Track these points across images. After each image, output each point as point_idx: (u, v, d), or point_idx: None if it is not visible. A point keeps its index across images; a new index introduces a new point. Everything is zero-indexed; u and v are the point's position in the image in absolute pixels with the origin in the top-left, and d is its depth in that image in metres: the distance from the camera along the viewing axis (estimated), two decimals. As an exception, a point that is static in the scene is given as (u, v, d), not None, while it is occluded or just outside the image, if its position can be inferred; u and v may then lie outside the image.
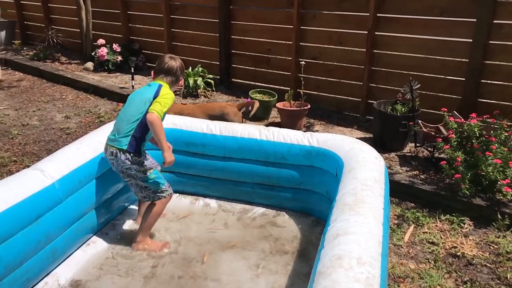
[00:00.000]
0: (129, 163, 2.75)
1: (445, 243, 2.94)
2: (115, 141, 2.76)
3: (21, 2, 9.03)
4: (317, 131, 4.73)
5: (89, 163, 2.85)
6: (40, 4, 8.52)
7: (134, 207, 3.38)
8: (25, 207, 2.33)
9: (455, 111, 4.00)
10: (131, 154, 2.75)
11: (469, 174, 3.21)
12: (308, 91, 5.12)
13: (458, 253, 2.82)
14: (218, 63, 6.33)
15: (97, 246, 2.92)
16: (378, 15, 4.79)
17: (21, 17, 9.10)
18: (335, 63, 5.28)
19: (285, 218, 3.30)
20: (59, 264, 2.67)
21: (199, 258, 2.82)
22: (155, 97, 2.72)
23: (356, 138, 3.44)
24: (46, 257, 2.51)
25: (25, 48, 8.70)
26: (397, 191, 3.45)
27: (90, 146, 2.94)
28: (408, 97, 4.10)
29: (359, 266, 1.84)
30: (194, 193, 3.55)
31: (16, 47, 8.78)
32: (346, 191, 2.48)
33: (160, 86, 2.79)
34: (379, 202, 2.40)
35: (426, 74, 4.61)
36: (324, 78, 5.38)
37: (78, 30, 7.77)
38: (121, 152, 2.74)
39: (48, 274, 2.58)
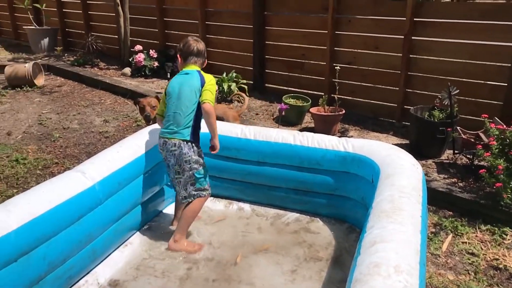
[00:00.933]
0: (191, 153, 2.87)
1: (486, 254, 2.84)
2: (176, 133, 2.85)
3: (63, 10, 9.39)
4: (351, 136, 4.68)
5: (128, 166, 2.92)
6: (81, 11, 8.84)
7: (169, 210, 3.44)
8: (68, 207, 2.42)
9: (496, 118, 3.88)
10: (193, 144, 2.89)
11: (511, 183, 3.10)
12: (343, 96, 5.08)
13: (500, 266, 2.72)
14: (251, 68, 6.38)
15: (134, 247, 2.99)
16: (415, 19, 4.71)
17: (63, 25, 9.47)
18: (370, 68, 5.23)
19: (319, 225, 3.28)
20: (99, 264, 2.75)
21: (233, 261, 2.84)
22: (202, 85, 2.84)
23: (392, 144, 3.39)
24: (86, 256, 2.59)
25: (66, 54, 9.03)
26: (434, 199, 3.36)
27: (129, 150, 3.02)
28: (446, 103, 4.01)
29: (397, 274, 1.81)
30: (228, 197, 3.58)
31: (58, 53, 9.12)
32: (383, 198, 2.45)
33: (200, 73, 2.91)
34: (417, 209, 2.35)
35: (466, 80, 4.49)
36: (359, 83, 5.33)
37: (117, 36, 8.00)
38: (185, 143, 2.85)
39: (88, 273, 2.67)
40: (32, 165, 4.25)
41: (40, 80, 7.22)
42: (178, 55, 3.02)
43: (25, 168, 4.19)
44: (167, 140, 2.88)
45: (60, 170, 4.10)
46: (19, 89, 6.92)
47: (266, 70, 6.30)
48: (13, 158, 4.36)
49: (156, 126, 3.28)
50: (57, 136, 5.02)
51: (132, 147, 3.06)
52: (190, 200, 2.94)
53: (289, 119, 5.09)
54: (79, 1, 8.77)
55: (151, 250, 2.97)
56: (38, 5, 9.22)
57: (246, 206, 3.50)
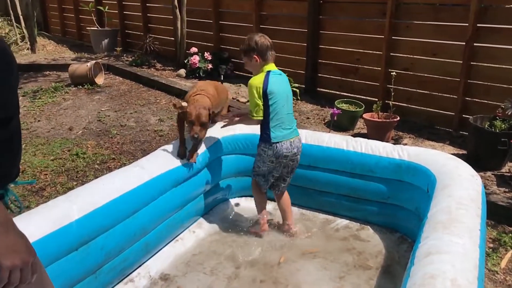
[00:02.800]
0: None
1: (549, 273, 2.68)
2: (295, 130, 3.01)
3: (124, 12, 9.79)
4: (405, 144, 4.54)
5: (183, 166, 3.00)
6: (140, 14, 9.18)
7: (218, 209, 3.51)
8: (126, 200, 2.52)
9: None
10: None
11: None
12: (398, 103, 4.95)
13: None
14: (304, 72, 6.36)
15: (184, 242, 3.06)
16: (478, 25, 4.52)
17: (123, 26, 9.87)
18: (428, 75, 5.07)
19: (369, 232, 3.22)
20: (151, 257, 2.85)
21: (281, 264, 2.84)
22: None
23: (449, 154, 3.27)
24: (140, 249, 2.69)
25: (125, 54, 9.40)
26: (493, 213, 3.20)
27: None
28: (509, 113, 3.81)
29: (454, 287, 1.75)
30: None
31: (117, 53, 9.51)
32: (439, 209, 2.37)
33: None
34: (475, 222, 2.26)
35: (532, 89, 4.26)
36: (415, 90, 5.18)
37: (173, 38, 8.24)
38: (299, 139, 3.04)
39: (140, 266, 2.77)
40: (90, 159, 4.46)
41: (100, 79, 7.56)
42: (254, 55, 2.87)
43: (84, 162, 4.40)
44: (294, 139, 2.98)
45: (117, 166, 4.27)
46: (80, 86, 7.27)
47: (319, 74, 6.26)
48: (73, 152, 4.59)
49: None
50: (114, 133, 5.24)
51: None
52: (284, 190, 3.19)
53: (341, 124, 5.03)
54: (139, 4, 9.11)
55: (201, 246, 3.04)
56: (101, 8, 9.68)
57: (295, 210, 3.48)
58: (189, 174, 3.04)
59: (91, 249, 2.32)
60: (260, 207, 3.22)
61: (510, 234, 3.08)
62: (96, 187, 2.53)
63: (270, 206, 3.53)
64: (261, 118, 2.89)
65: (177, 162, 2.95)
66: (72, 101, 6.60)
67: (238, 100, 6.14)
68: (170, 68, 8.24)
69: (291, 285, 2.66)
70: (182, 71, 7.66)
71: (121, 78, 8.03)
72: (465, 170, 2.81)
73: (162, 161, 2.91)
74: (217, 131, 3.44)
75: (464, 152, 4.30)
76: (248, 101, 5.78)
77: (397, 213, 3.15)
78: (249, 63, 2.94)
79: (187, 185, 3.04)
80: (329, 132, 4.74)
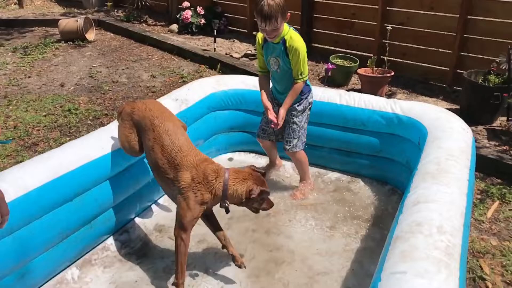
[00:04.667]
0: None
1: (533, 223, 2.76)
2: None
3: (114, -35, 9.45)
4: (399, 99, 4.55)
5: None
6: (130, -33, 8.86)
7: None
8: (119, 154, 2.52)
9: (558, 84, 3.65)
10: None
11: None
12: (392, 58, 4.90)
13: (548, 234, 2.64)
14: (299, 27, 6.23)
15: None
16: (476, -23, 4.42)
17: (113, -20, 9.55)
18: (423, 30, 4.99)
19: (360, 185, 3.27)
20: (145, 209, 2.89)
21: (272, 214, 2.90)
22: None
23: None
24: (134, 201, 2.72)
25: (115, 9, 9.17)
26: (482, 166, 3.26)
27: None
28: (504, 67, 3.80)
29: (439, 234, 1.80)
30: (270, 154, 3.60)
31: (108, 8, 9.27)
32: (429, 160, 2.40)
33: None
34: (464, 173, 2.30)
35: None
36: (411, 45, 5.11)
37: (165, -8, 8.01)
38: None
39: (136, 217, 2.81)
40: (83, 115, 4.44)
41: (91, 35, 7.40)
42: (288, 15, 2.75)
43: (77, 118, 4.38)
44: None
45: (110, 121, 4.23)
46: (71, 42, 7.13)
47: (314, 29, 6.15)
48: (66, 108, 4.56)
49: None
50: (106, 89, 5.19)
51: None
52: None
53: (335, 80, 5.00)
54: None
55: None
56: (90, -40, 9.34)
57: (288, 164, 3.51)
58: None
59: (86, 200, 2.35)
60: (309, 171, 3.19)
61: (498, 186, 3.15)
62: (90, 141, 2.54)
63: (262, 160, 3.57)
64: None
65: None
66: (63, 57, 6.48)
67: (231, 56, 6.05)
68: (162, 23, 8.06)
69: (282, 234, 2.72)
70: (174, 27, 7.50)
71: (112, 34, 7.86)
72: (457, 123, 2.83)
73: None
74: (209, 86, 3.41)
75: (457, 107, 4.31)
76: (254, 57, 5.68)
77: (388, 166, 3.19)
78: (281, 23, 2.71)
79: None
80: (323, 87, 4.71)
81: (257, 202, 2.26)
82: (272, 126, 2.82)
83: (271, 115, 2.80)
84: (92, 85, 5.35)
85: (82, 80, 5.53)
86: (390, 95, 4.70)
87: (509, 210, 2.90)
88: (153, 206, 2.96)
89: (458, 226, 1.90)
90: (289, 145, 2.99)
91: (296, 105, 2.92)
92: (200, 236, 2.63)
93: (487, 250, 2.54)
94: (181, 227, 2.17)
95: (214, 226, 2.39)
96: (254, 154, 3.65)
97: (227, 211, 2.26)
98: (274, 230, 2.76)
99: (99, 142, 2.51)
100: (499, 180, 3.24)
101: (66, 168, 2.24)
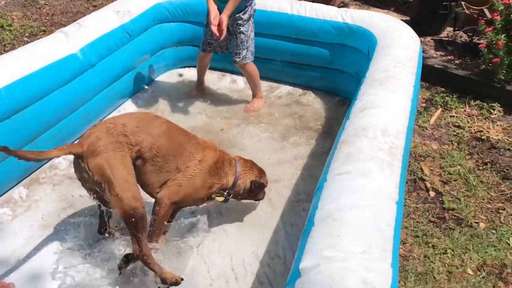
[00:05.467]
0: None
1: (471, 127, 2.92)
2: None
3: None
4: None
5: (115, 32, 2.82)
6: None
7: (162, 78, 3.43)
8: (56, 68, 2.38)
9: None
10: None
11: (509, 60, 3.06)
12: (345, -32, 4.75)
13: (483, 137, 2.81)
14: None
15: (127, 112, 3.01)
16: None
17: None
18: None
19: (311, 97, 3.29)
20: (93, 127, 2.81)
21: (226, 130, 2.90)
22: None
23: (392, 18, 3.26)
24: (79, 118, 2.62)
25: None
26: (428, 76, 3.34)
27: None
28: (453, -24, 3.77)
29: (383, 136, 1.86)
30: (222, 69, 3.52)
31: None
32: (377, 68, 2.43)
33: None
34: (410, 79, 2.35)
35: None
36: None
37: None
38: None
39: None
40: (18, 32, 4.10)
41: None
42: None
43: (12, 35, 4.05)
44: None
45: (48, 38, 3.96)
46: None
47: None
48: (-2, 24, 4.19)
49: None
50: (42, 3, 4.76)
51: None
52: None
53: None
54: None
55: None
56: None
57: (239, 79, 3.46)
58: (123, 42, 2.88)
59: (26, 118, 2.24)
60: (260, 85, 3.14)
61: (442, 94, 3.27)
62: (24, 55, 2.36)
63: (215, 76, 3.49)
64: None
65: (107, 29, 2.77)
66: (-12, -32, 5.82)
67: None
68: None
69: (235, 146, 2.74)
70: None
71: None
72: (406, 31, 2.84)
73: (91, 28, 2.72)
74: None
75: (408, 18, 4.31)
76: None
77: (338, 77, 3.21)
78: None
79: (123, 54, 2.90)
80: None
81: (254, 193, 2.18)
82: (216, 36, 2.69)
83: (214, 28, 2.66)
84: (25, -1, 4.89)
85: (13, -7, 5.04)
86: (342, 7, 4.60)
87: (450, 116, 3.04)
88: (101, 124, 2.87)
89: (402, 129, 1.97)
90: (239, 57, 2.91)
91: (241, 13, 2.80)
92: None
93: (428, 154, 2.69)
94: (175, 198, 1.90)
95: None
96: (205, 69, 3.56)
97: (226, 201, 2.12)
98: (226, 143, 2.77)
99: (36, 55, 2.34)
100: (443, 89, 3.36)
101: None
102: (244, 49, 2.88)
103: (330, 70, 3.24)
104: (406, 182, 2.44)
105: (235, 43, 2.88)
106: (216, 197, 2.06)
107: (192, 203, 2.08)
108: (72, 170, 2.47)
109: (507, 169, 2.55)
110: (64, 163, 2.54)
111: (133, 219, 1.70)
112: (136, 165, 1.82)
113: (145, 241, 1.75)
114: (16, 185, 2.33)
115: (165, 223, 1.93)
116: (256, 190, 2.16)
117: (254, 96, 3.14)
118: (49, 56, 2.38)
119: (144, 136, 1.83)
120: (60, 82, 2.42)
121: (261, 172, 2.21)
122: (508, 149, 2.71)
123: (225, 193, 2.06)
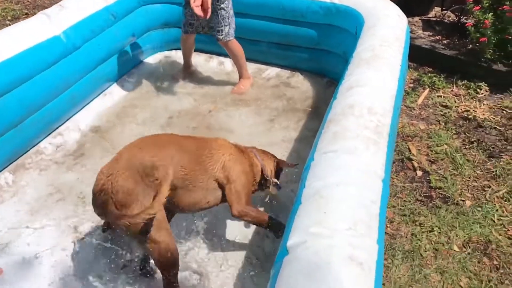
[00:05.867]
0: None
1: (458, 107, 2.93)
2: None
3: None
4: (339, -8, 4.45)
5: (99, 14, 2.77)
6: None
7: (150, 60, 3.39)
8: (39, 52, 2.34)
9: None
10: None
11: (496, 39, 3.06)
12: None
13: (470, 116, 2.83)
14: None
15: (113, 96, 2.99)
16: None
17: None
18: None
19: (299, 79, 3.28)
20: (79, 111, 2.78)
21: (213, 112, 2.88)
22: None
23: None
24: (65, 102, 2.60)
25: None
26: (416, 56, 3.34)
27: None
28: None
29: (370, 115, 1.86)
30: (208, 51, 3.48)
31: None
32: (364, 48, 2.41)
33: None
34: (397, 59, 2.34)
35: None
36: None
37: None
38: None
39: (68, 119, 2.70)
40: (0, 15, 4.02)
41: None
42: None
43: (-7, 18, 3.97)
44: None
45: (31, 21, 3.88)
46: None
47: None
48: (-22, 8, 4.10)
49: None
50: (24, -15, 4.66)
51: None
52: None
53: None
54: None
55: (131, 100, 2.99)
56: None
57: (227, 61, 3.44)
58: (107, 24, 2.83)
59: (8, 102, 2.20)
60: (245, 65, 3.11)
61: (429, 74, 3.27)
62: (4, 37, 2.31)
63: (202, 58, 3.46)
64: None
65: (91, 11, 2.72)
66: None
67: None
68: None
69: (224, 129, 2.73)
70: None
71: None
72: (393, 10, 2.82)
73: (74, 9, 2.67)
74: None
75: (396, -1, 4.29)
76: None
77: (326, 58, 3.20)
78: None
79: (107, 36, 2.85)
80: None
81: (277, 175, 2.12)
82: (201, 16, 2.64)
83: (197, 9, 2.60)
84: (7, -19, 4.77)
85: (-6, -24, 4.92)
86: (330, -12, 4.57)
87: (437, 96, 3.04)
88: (87, 107, 2.84)
89: (389, 108, 1.97)
90: (222, 34, 2.87)
91: None
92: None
93: (415, 133, 2.70)
94: (242, 200, 1.85)
95: None
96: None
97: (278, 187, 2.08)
98: (215, 125, 2.76)
99: (17, 38, 2.30)
100: (430, 69, 3.36)
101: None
102: (226, 25, 2.85)
103: (318, 51, 3.22)
104: (394, 162, 2.46)
105: (216, 20, 2.83)
106: (270, 190, 2.03)
107: (254, 188, 2.01)
108: (59, 154, 2.49)
109: (492, 148, 2.58)
110: (50, 147, 2.51)
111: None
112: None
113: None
114: (2, 170, 2.30)
115: (258, 213, 1.89)
116: (279, 172, 2.13)
117: (240, 76, 3.12)
118: (31, 38, 2.33)
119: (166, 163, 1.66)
120: (43, 66, 2.38)
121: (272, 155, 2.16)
122: (494, 128, 2.73)
123: (270, 180, 2.01)
